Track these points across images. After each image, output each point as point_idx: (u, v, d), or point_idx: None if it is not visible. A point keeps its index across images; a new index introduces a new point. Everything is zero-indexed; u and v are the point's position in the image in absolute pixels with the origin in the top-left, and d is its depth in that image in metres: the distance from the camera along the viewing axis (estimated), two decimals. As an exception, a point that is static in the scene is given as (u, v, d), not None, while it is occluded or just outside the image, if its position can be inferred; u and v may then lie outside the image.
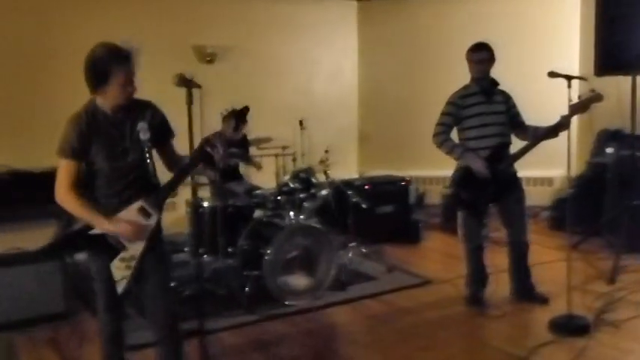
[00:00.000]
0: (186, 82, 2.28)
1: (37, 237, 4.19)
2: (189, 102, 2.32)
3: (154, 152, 2.79)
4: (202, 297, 4.49)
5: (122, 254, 2.66)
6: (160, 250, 2.84)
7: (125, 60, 2.54)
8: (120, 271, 2.66)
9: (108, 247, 2.65)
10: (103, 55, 2.54)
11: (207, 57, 6.86)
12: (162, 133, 2.81)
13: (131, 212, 2.65)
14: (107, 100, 2.62)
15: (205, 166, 2.89)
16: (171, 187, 2.72)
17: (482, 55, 4.26)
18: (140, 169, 2.72)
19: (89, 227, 2.63)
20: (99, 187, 2.72)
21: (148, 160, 2.67)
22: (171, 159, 2.88)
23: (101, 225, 2.61)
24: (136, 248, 2.66)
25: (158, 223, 2.75)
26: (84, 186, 2.67)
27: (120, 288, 2.67)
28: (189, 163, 2.72)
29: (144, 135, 2.63)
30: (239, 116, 2.87)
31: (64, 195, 2.62)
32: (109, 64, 2.53)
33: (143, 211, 2.67)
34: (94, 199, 2.70)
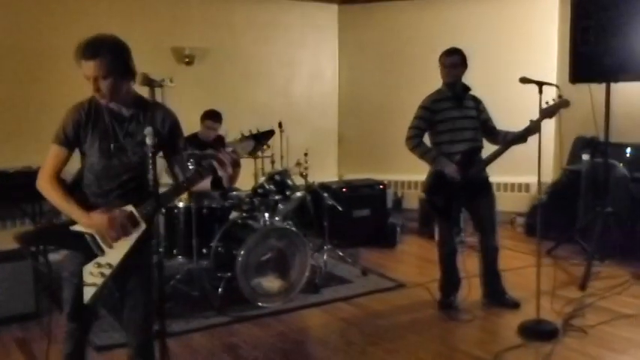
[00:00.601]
0: (149, 82, 2.29)
1: (9, 237, 4.16)
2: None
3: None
4: (170, 299, 4.54)
5: (98, 259, 2.47)
6: (147, 263, 2.63)
7: (77, 54, 2.44)
8: (92, 276, 2.47)
9: (85, 248, 2.48)
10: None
11: (186, 58, 6.85)
12: (170, 140, 2.64)
13: (119, 214, 2.46)
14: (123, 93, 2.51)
15: (213, 188, 2.68)
16: (167, 200, 2.58)
17: (454, 59, 4.31)
18: (137, 172, 2.57)
19: (72, 223, 2.49)
20: (89, 184, 2.57)
21: (150, 167, 2.44)
22: (179, 170, 2.69)
23: (79, 218, 2.45)
24: (115, 256, 2.47)
25: (149, 236, 2.55)
26: (76, 184, 2.57)
27: (87, 295, 2.48)
28: (190, 178, 2.53)
29: (150, 140, 2.41)
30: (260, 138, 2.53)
31: (45, 181, 2.49)
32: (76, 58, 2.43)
33: (131, 218, 2.46)
34: (83, 197, 2.54)
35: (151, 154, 2.40)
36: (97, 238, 2.47)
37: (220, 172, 2.50)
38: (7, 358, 3.77)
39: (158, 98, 2.42)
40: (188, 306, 4.56)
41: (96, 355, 3.73)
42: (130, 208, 2.47)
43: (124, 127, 2.55)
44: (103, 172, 2.54)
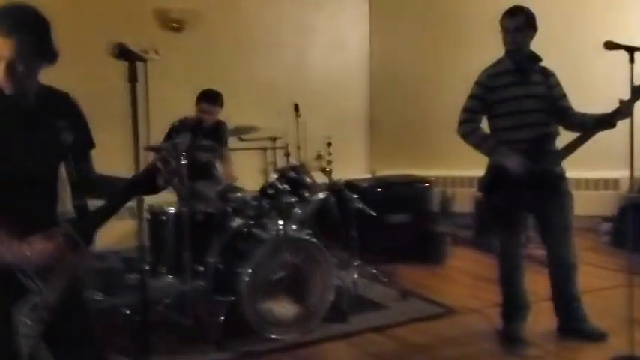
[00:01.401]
0: (127, 54, 2.28)
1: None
2: (132, 79, 2.31)
3: None
4: (155, 329, 4.56)
5: (34, 300, 2.30)
6: (83, 304, 2.57)
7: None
8: (29, 326, 2.30)
9: (14, 286, 2.27)
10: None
11: (173, 23, 6.90)
12: (81, 138, 2.54)
13: (52, 236, 2.32)
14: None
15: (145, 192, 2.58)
16: (110, 213, 2.42)
17: (518, 20, 4.27)
18: (53, 183, 2.47)
19: None
20: None
21: (73, 171, 2.41)
22: (85, 176, 2.55)
23: (1, 245, 2.25)
24: (52, 291, 2.33)
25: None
26: None
27: (27, 347, 2.30)
28: (131, 185, 2.44)
29: (65, 137, 2.38)
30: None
31: None
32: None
33: (68, 239, 2.33)
34: None
35: (69, 156, 2.39)
36: (27, 270, 2.30)
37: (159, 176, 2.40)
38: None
39: (140, 75, 2.39)
40: (179, 338, 4.57)
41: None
42: (65, 226, 2.37)
43: (29, 123, 2.41)
44: (6, 186, 2.36)
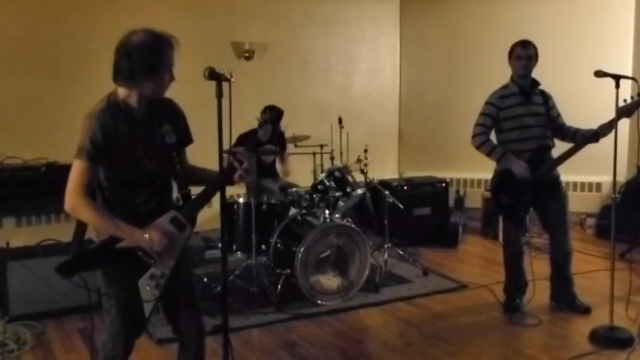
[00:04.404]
0: (216, 76, 2.30)
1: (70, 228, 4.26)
2: (220, 95, 2.33)
3: None
4: (228, 294, 4.58)
5: (152, 271, 2.39)
6: (187, 265, 2.63)
7: (174, 46, 2.34)
8: (149, 290, 2.38)
9: (137, 263, 2.37)
10: (154, 38, 2.29)
11: (245, 53, 6.93)
12: (183, 137, 2.55)
13: (164, 222, 2.40)
14: (142, 92, 2.34)
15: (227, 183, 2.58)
16: (205, 200, 2.48)
17: (529, 51, 4.19)
18: (165, 178, 2.50)
19: (114, 240, 2.33)
20: (112, 198, 2.41)
21: (178, 167, 2.43)
22: (182, 167, 2.56)
23: (131, 236, 2.32)
24: (167, 264, 2.41)
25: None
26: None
27: (148, 310, 2.39)
28: (220, 178, 2.44)
29: (170, 139, 2.41)
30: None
31: (79, 202, 2.27)
32: (161, 48, 2.29)
33: (176, 222, 2.42)
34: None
35: (174, 154, 2.41)
36: (147, 249, 2.37)
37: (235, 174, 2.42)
38: (71, 348, 3.91)
39: (225, 93, 2.37)
40: (246, 302, 4.60)
41: (157, 347, 3.83)
42: (173, 212, 2.43)
43: (147, 129, 2.41)
44: (133, 183, 2.42)
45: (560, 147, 4.25)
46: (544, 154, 4.18)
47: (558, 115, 4.37)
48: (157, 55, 2.28)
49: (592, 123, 4.10)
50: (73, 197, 2.28)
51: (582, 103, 5.98)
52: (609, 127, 3.96)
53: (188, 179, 2.54)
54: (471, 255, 6.17)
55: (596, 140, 4.05)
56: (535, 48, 4.23)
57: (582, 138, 4.12)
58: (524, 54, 4.20)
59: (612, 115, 3.87)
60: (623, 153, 6.49)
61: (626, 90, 4.02)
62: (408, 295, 4.83)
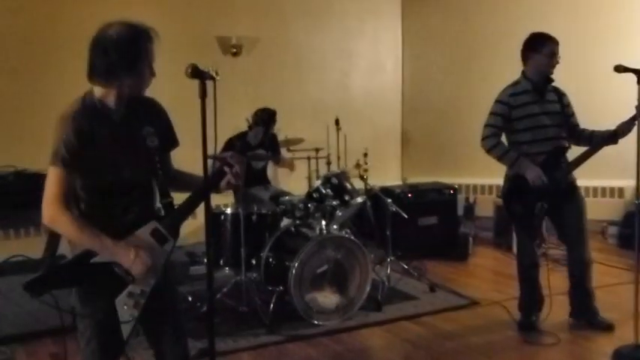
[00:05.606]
0: (199, 73, 2.30)
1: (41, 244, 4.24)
2: (203, 95, 2.33)
3: None
4: (215, 314, 4.58)
5: (130, 288, 2.34)
6: (171, 283, 2.59)
7: (154, 39, 2.32)
8: (127, 310, 2.33)
9: (114, 280, 2.32)
10: (132, 31, 2.27)
11: (233, 49, 6.96)
12: (166, 140, 2.54)
13: (144, 235, 2.36)
14: (121, 91, 2.32)
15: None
16: (190, 210, 2.44)
17: (557, 47, 4.19)
18: (146, 184, 2.47)
19: (89, 254, 2.29)
20: (87, 210, 2.38)
21: (160, 172, 2.42)
22: (166, 171, 2.55)
23: (110, 251, 2.28)
24: (147, 282, 2.36)
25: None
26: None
27: (126, 332, 2.34)
28: (207, 186, 2.45)
29: (151, 142, 2.40)
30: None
31: (56, 213, 2.25)
32: (140, 42, 2.28)
33: (157, 235, 2.39)
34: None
35: (157, 159, 2.39)
36: (124, 266, 2.32)
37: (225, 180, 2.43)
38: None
39: (209, 92, 2.35)
40: (235, 322, 4.60)
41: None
42: (154, 224, 2.40)
43: (127, 131, 2.40)
44: (111, 190, 2.39)
45: (575, 149, 4.29)
46: (559, 157, 4.21)
47: (572, 114, 4.39)
48: (135, 49, 2.27)
49: (607, 124, 4.13)
50: (50, 209, 2.26)
51: (597, 102, 6.01)
52: (629, 125, 3.98)
53: (174, 186, 2.53)
54: (483, 268, 6.19)
55: (615, 141, 4.08)
56: None
57: (600, 138, 4.14)
58: (557, 50, 4.18)
59: (630, 113, 3.90)
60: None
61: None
62: (414, 313, 4.83)
